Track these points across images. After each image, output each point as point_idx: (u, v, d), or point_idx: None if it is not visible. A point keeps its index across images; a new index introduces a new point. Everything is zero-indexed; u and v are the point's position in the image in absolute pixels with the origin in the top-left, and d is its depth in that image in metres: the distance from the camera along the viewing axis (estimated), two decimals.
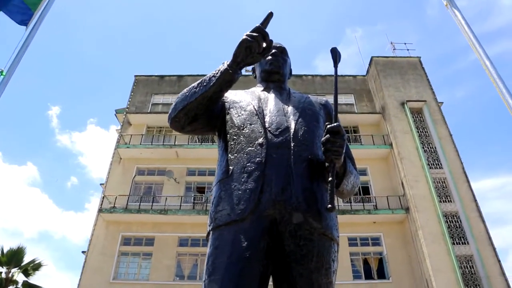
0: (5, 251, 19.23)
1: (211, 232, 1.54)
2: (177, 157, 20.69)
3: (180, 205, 19.03)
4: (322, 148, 1.48)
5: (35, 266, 19.65)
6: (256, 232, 1.43)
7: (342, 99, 23.54)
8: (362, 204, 19.27)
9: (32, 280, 19.32)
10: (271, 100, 1.81)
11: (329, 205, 1.38)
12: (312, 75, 25.24)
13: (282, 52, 2.05)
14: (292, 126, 1.66)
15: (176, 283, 17.19)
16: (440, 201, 18.10)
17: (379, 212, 18.42)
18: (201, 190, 20.48)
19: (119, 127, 22.81)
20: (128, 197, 19.32)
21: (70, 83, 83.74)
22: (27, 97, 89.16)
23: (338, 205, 18.71)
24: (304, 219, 1.47)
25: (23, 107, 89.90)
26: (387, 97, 21.85)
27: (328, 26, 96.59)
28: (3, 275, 18.74)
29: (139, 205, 19.05)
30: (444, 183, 18.88)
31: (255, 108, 1.74)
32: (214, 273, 1.40)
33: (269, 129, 1.64)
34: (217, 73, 1.62)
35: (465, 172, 18.91)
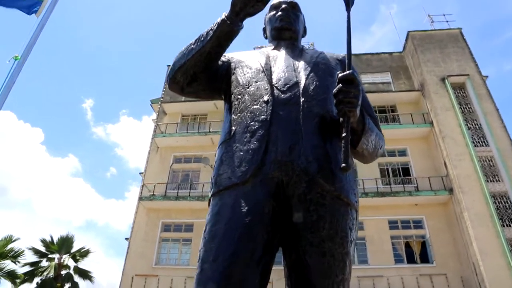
0: (55, 239, 20.60)
1: (211, 198, 1.42)
2: (212, 144, 20.85)
3: None
4: (334, 101, 1.30)
5: (84, 253, 20.93)
6: (260, 196, 1.28)
7: (378, 77, 22.68)
8: (402, 185, 18.57)
9: (82, 265, 20.64)
10: (280, 57, 1.65)
11: (343, 164, 1.20)
12: (344, 55, 24.45)
13: (293, 7, 1.86)
14: (302, 81, 1.50)
15: None
16: (487, 181, 17.07)
17: (421, 194, 17.69)
18: None
19: (154, 117, 23.31)
20: (167, 185, 19.78)
21: (100, 75, 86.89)
22: (63, 90, 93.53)
23: (377, 187, 18.18)
24: (314, 181, 1.30)
25: (60, 101, 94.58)
26: (426, 73, 20.73)
27: (361, 3, 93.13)
28: (56, 261, 20.06)
29: (177, 192, 19.45)
30: (491, 161, 17.78)
31: (261, 65, 1.58)
32: (211, 240, 1.26)
33: (276, 85, 1.49)
34: (214, 26, 1.48)
35: None
